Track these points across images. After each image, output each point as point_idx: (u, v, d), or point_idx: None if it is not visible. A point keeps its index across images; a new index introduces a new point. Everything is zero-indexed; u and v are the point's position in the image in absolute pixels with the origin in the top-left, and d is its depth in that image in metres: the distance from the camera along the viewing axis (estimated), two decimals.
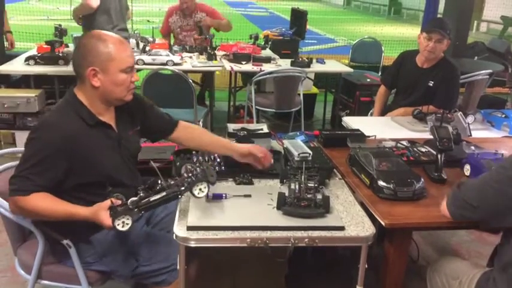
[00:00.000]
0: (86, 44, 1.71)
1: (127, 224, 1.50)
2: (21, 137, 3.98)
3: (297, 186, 1.72)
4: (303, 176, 1.76)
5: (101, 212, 1.54)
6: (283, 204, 1.64)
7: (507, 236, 1.57)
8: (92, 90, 1.71)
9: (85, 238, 1.78)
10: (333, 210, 1.67)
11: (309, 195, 1.66)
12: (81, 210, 1.60)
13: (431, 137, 2.06)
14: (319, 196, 1.69)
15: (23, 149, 1.68)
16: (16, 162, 1.93)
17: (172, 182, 1.58)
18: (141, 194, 1.54)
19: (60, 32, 4.74)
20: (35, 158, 1.61)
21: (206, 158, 2.00)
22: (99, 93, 1.72)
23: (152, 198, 1.54)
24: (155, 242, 1.81)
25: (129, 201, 1.52)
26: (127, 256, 1.78)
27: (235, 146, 1.99)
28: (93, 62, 1.67)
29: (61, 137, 1.64)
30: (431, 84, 3.10)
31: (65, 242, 1.72)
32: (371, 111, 3.61)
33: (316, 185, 1.72)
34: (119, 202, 1.53)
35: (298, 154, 1.94)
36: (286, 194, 1.69)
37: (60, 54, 4.17)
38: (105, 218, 1.52)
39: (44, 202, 1.61)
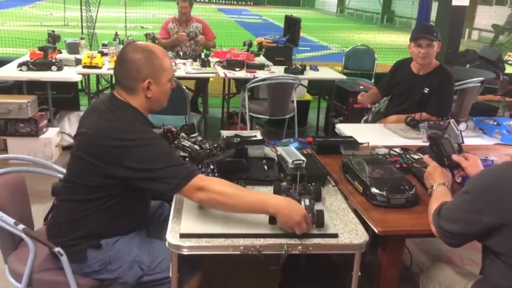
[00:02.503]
0: (135, 58, 1.70)
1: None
2: (13, 143, 3.95)
3: None
4: (296, 191, 1.71)
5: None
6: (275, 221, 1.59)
7: (485, 251, 1.57)
8: (145, 100, 1.74)
9: (96, 242, 1.75)
10: (326, 218, 1.66)
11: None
12: (271, 198, 1.62)
13: (424, 144, 2.06)
14: (308, 202, 1.64)
15: (15, 155, 1.64)
16: (6, 169, 1.92)
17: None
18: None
19: (53, 38, 4.74)
20: (164, 151, 1.64)
21: (200, 166, 1.99)
22: (150, 103, 1.76)
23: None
24: (159, 251, 1.79)
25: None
26: (132, 263, 1.76)
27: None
28: (149, 74, 1.70)
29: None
30: (426, 91, 3.10)
31: (56, 250, 1.69)
32: (364, 118, 3.63)
33: (312, 201, 1.65)
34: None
35: (293, 161, 1.93)
36: None
37: (53, 60, 4.17)
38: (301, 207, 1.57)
39: (227, 186, 1.61)
